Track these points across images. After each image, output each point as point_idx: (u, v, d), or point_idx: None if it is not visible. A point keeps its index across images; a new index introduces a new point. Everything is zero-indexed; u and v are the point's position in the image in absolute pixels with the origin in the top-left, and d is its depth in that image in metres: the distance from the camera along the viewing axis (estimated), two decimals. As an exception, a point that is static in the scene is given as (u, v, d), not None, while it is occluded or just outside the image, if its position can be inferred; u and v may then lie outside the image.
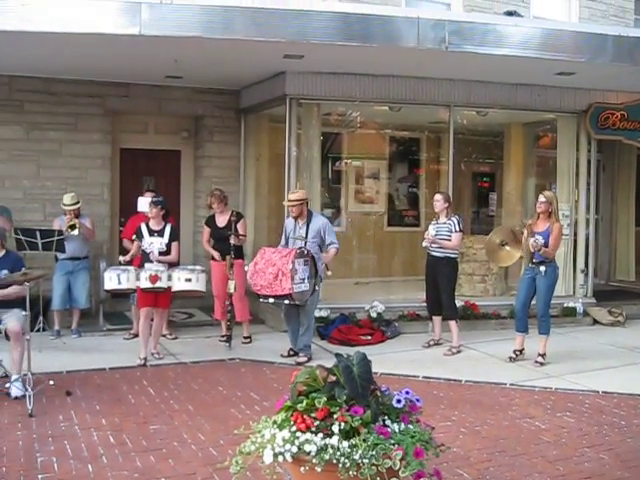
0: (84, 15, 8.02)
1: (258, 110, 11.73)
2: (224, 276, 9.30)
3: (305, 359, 8.65)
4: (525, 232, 8.59)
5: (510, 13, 11.30)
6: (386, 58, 9.45)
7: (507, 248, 9.00)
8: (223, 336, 9.56)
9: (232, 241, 9.25)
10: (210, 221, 9.82)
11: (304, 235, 8.71)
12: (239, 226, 9.50)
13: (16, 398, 6.94)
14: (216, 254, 9.62)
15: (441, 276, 9.23)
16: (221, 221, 9.67)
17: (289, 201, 8.93)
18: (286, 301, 8.40)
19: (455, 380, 8.01)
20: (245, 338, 9.76)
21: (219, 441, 5.91)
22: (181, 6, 8.22)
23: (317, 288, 8.64)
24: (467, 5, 13.33)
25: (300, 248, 8.48)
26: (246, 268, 8.84)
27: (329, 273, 8.86)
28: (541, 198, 8.64)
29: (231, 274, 9.15)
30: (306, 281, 8.34)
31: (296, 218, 8.87)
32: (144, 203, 9.38)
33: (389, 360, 8.47)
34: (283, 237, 9.04)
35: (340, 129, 12.97)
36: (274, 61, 9.60)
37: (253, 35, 8.28)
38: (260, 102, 11.33)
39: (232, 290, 9.15)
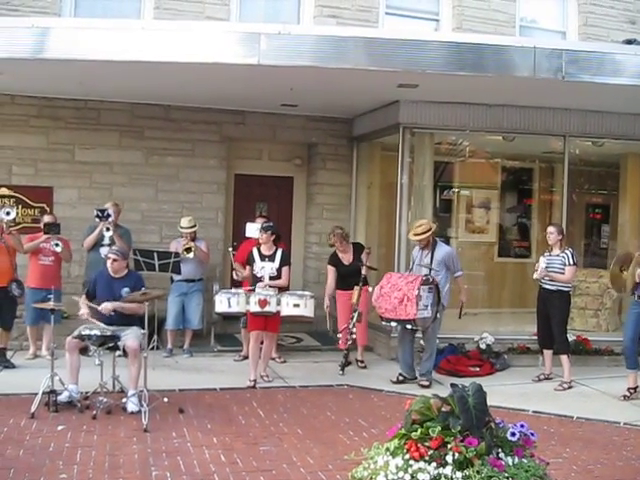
0: (205, 45, 8.35)
1: (370, 138, 11.84)
2: (350, 307, 9.49)
3: (427, 383, 8.73)
4: (633, 262, 8.38)
5: (630, 42, 11.04)
6: (500, 87, 9.39)
7: (626, 273, 8.69)
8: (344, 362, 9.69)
9: (364, 272, 9.45)
10: (334, 260, 9.91)
11: (429, 263, 8.83)
12: (363, 257, 9.74)
13: (132, 413, 7.20)
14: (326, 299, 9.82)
15: (553, 309, 9.05)
16: (347, 258, 9.81)
17: (416, 235, 8.97)
18: (408, 325, 8.58)
19: (566, 416, 7.82)
20: (361, 362, 9.82)
21: (328, 466, 5.95)
22: (297, 36, 8.45)
23: (438, 316, 8.78)
24: (583, 33, 13.09)
25: (426, 275, 8.65)
26: (370, 289, 9.13)
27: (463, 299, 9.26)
28: None
29: (357, 304, 9.29)
30: (429, 308, 8.53)
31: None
32: (252, 229, 9.62)
33: (498, 393, 8.29)
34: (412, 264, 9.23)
35: (451, 158, 12.90)
36: (388, 90, 9.70)
37: (366, 64, 8.39)
38: (373, 130, 11.44)
39: (355, 320, 9.25)
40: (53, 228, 9.33)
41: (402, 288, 8.46)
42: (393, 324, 8.75)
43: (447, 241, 13.16)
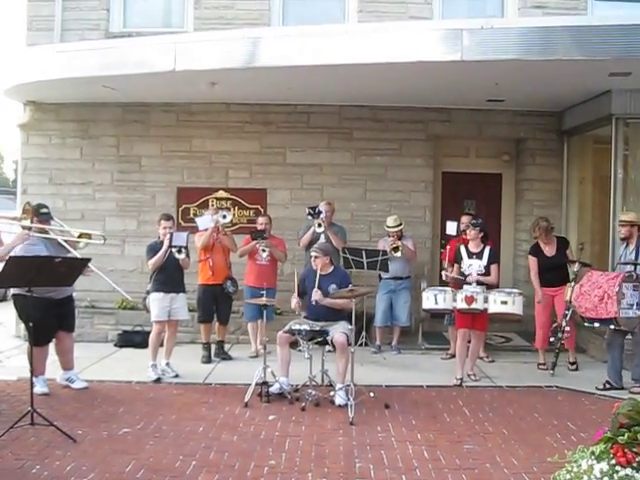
0: (407, 45, 8.46)
1: (581, 131, 11.36)
2: (549, 305, 9.30)
3: (639, 390, 8.14)
4: None
5: None
6: None
7: None
8: (542, 364, 9.44)
9: (576, 268, 9.04)
10: (535, 250, 9.58)
11: (633, 258, 8.35)
12: (569, 252, 9.44)
13: (339, 406, 7.42)
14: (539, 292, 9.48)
15: None
16: (549, 250, 9.48)
17: (620, 221, 8.66)
18: (611, 326, 8.15)
19: None
20: (572, 364, 9.48)
21: (532, 468, 5.81)
22: (500, 29, 8.35)
23: None
24: None
25: (629, 272, 8.17)
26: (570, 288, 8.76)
27: None
28: None
29: (571, 302, 8.87)
30: (635, 307, 8.00)
31: (625, 241, 8.56)
32: (452, 226, 9.56)
33: None
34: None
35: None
36: (598, 80, 9.27)
37: (575, 54, 8.14)
38: (583, 123, 10.96)
39: (569, 317, 8.94)
40: (258, 235, 9.75)
41: (602, 285, 8.04)
42: (596, 325, 8.30)
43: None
